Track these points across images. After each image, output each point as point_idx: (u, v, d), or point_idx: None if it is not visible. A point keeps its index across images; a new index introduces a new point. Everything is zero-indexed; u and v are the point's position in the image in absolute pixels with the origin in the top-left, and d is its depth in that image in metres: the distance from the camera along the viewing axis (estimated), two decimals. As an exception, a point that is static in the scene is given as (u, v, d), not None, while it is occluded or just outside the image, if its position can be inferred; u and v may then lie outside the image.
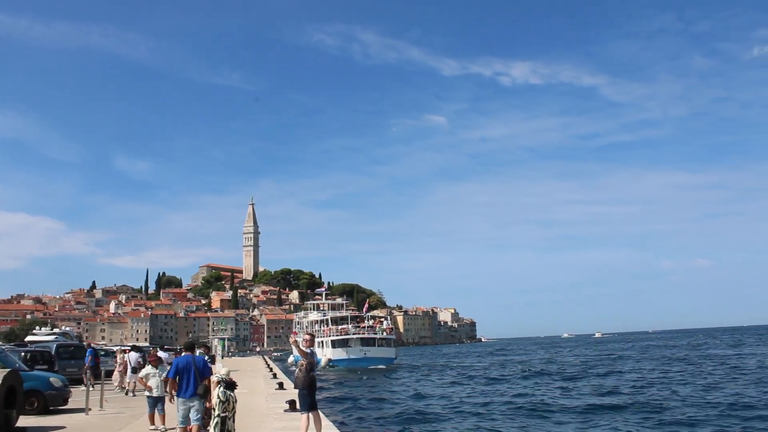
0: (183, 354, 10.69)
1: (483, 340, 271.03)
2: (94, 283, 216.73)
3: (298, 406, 11.56)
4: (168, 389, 10.76)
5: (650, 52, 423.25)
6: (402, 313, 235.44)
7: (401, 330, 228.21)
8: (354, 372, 53.35)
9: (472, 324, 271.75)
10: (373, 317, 71.03)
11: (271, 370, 36.43)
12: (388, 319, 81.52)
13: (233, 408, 8.78)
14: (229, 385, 8.72)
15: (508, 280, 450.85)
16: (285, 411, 14.80)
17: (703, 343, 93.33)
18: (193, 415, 9.71)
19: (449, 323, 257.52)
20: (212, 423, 8.66)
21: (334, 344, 60.87)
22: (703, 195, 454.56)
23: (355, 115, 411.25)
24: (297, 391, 10.65)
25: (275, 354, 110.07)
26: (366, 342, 61.32)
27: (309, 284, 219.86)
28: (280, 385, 22.26)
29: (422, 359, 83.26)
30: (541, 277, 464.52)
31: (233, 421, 8.81)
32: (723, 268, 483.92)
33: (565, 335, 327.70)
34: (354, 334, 61.68)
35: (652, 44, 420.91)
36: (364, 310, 70.68)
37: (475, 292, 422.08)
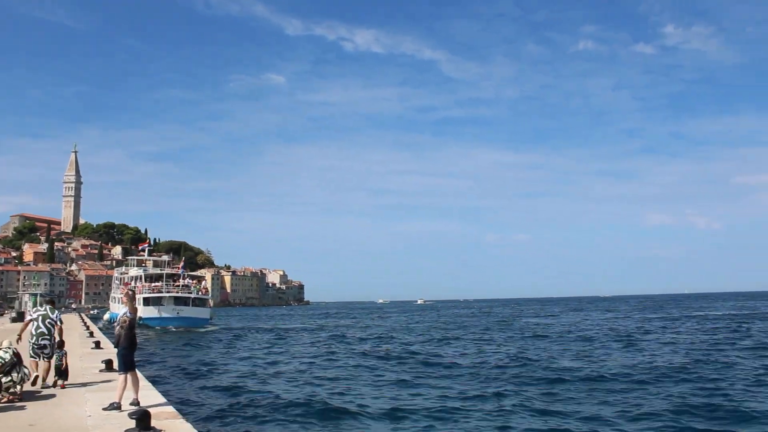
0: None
1: (311, 303, 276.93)
2: None
3: (115, 365, 11.50)
4: None
5: (489, 33, 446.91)
6: (230, 273, 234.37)
7: (228, 290, 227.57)
8: (165, 331, 52.86)
9: (301, 287, 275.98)
10: (192, 276, 69.81)
11: (87, 328, 35.05)
12: (206, 278, 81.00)
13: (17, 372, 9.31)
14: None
15: (339, 245, 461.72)
16: (101, 371, 14.44)
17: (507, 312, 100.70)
18: None
19: (278, 285, 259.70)
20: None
21: (147, 302, 58.42)
22: (527, 174, 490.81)
23: (192, 67, 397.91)
24: (115, 350, 10.43)
25: (93, 312, 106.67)
26: (179, 301, 59.87)
27: (134, 240, 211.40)
28: (97, 344, 21.42)
29: (245, 321, 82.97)
30: (372, 243, 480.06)
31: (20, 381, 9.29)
32: (540, 243, 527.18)
33: (380, 301, 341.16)
34: (167, 292, 60.12)
35: (492, 26, 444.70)
36: (179, 267, 69.10)
37: (305, 256, 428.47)
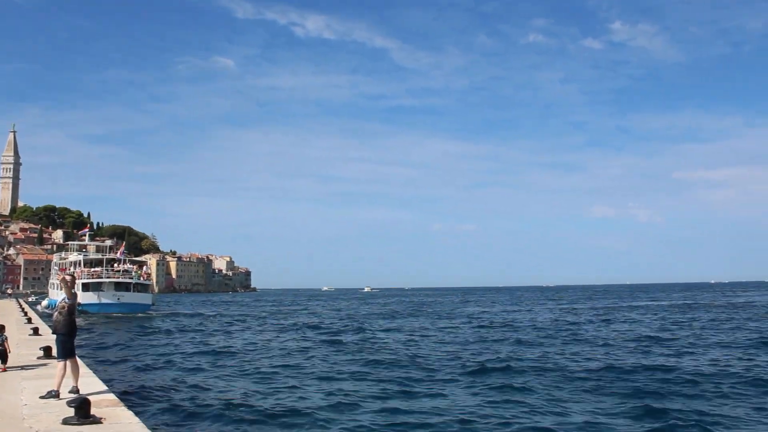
0: None
1: (257, 290, 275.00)
2: None
3: (54, 352, 11.22)
4: None
5: (441, 23, 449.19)
6: (176, 258, 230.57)
7: (174, 276, 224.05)
8: (106, 318, 51.82)
9: (248, 273, 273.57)
10: (133, 261, 68.61)
11: (25, 314, 34.29)
12: (148, 263, 79.44)
13: None
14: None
15: (287, 231, 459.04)
16: (39, 358, 14.17)
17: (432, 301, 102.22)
18: None
19: (224, 271, 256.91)
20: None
21: (86, 287, 56.98)
22: (475, 164, 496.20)
23: (138, 47, 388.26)
24: (54, 336, 10.14)
25: (31, 298, 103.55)
26: (120, 286, 58.83)
27: (76, 224, 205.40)
28: (35, 331, 21.06)
29: (190, 308, 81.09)
30: (320, 230, 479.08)
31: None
32: (487, 233, 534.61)
33: (325, 288, 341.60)
34: (107, 277, 59.04)
35: (444, 16, 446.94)
36: (119, 252, 67.47)
37: (253, 242, 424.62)
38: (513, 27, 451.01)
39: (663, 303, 73.18)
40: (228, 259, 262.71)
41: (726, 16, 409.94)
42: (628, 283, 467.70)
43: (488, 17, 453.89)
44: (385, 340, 30.69)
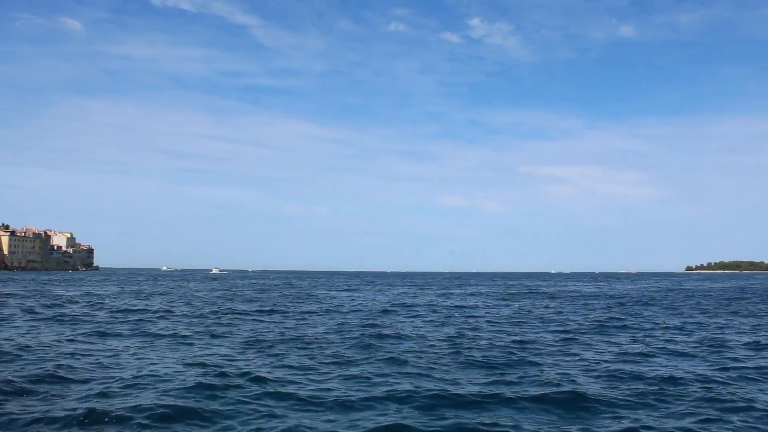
0: None
1: (100, 268, 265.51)
2: None
3: None
4: None
5: (303, 4, 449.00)
6: (8, 233, 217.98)
7: (5, 252, 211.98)
8: None
9: (90, 251, 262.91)
10: None
11: None
12: None
13: None
14: None
15: (133, 208, 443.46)
16: None
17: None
18: None
19: (64, 248, 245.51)
20: None
21: None
22: (331, 148, 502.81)
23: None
24: None
25: None
26: None
27: None
28: None
29: (20, 286, 72.51)
30: (168, 208, 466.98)
31: None
32: (340, 217, 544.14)
33: (164, 268, 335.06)
34: None
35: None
36: None
37: (96, 218, 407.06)
38: (375, 14, 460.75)
39: (482, 290, 79.16)
40: (69, 235, 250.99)
41: (574, 23, 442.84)
42: (474, 271, 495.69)
43: (351, 2, 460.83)
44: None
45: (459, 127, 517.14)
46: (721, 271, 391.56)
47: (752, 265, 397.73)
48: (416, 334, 25.18)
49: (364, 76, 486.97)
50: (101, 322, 29.99)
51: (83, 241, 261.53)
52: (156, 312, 36.67)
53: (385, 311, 39.18)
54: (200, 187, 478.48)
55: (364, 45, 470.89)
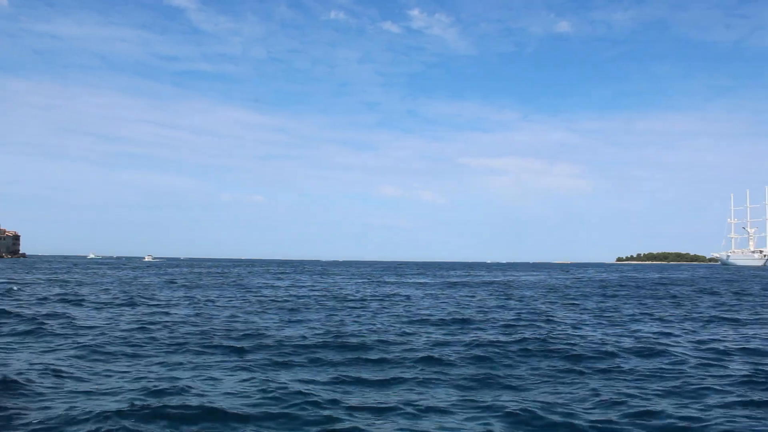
0: None
1: (26, 255, 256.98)
2: None
3: None
4: None
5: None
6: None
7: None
8: None
9: (16, 237, 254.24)
10: None
11: None
12: None
13: None
14: None
15: (60, 193, 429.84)
16: None
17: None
18: None
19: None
20: None
21: None
22: (267, 136, 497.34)
23: None
24: None
25: None
26: None
27: None
28: None
29: None
30: (97, 193, 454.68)
31: None
32: (276, 205, 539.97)
33: (91, 255, 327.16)
34: None
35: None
36: None
37: (22, 203, 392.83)
38: (315, 2, 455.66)
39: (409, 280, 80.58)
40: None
41: (513, 17, 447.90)
42: (412, 260, 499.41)
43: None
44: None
45: (397, 117, 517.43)
46: (649, 262, 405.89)
47: (678, 257, 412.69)
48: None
49: (302, 64, 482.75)
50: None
51: (8, 227, 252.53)
52: None
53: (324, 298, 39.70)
54: (132, 173, 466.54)
55: (303, 33, 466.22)
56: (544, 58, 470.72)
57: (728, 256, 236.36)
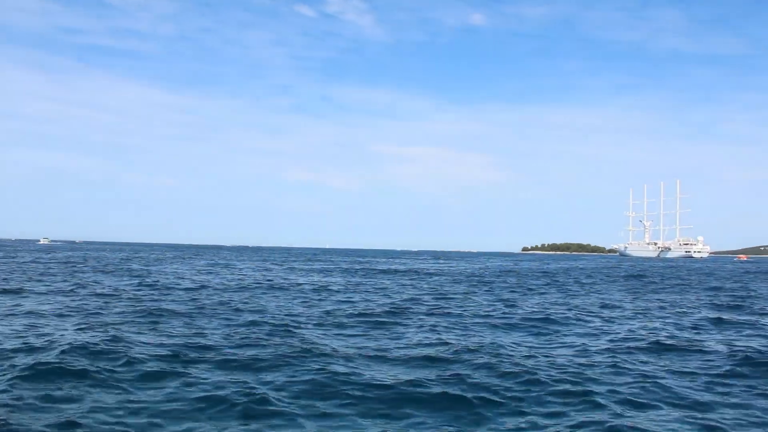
0: None
1: None
2: None
3: None
4: None
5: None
6: None
7: None
8: None
9: None
10: None
11: None
12: None
13: None
14: None
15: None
16: None
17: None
18: None
19: None
20: None
21: None
22: (176, 117, 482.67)
23: None
24: None
25: None
26: None
27: None
28: None
29: None
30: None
31: None
32: (186, 189, 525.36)
33: None
34: None
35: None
36: None
37: None
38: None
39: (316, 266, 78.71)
40: None
41: (428, 6, 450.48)
42: (327, 246, 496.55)
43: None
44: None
45: (311, 102, 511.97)
46: (553, 252, 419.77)
47: (581, 247, 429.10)
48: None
49: (214, 44, 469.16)
50: None
51: None
52: None
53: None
54: (26, 150, 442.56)
55: (216, 11, 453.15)
56: (458, 49, 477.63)
57: (626, 247, 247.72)
